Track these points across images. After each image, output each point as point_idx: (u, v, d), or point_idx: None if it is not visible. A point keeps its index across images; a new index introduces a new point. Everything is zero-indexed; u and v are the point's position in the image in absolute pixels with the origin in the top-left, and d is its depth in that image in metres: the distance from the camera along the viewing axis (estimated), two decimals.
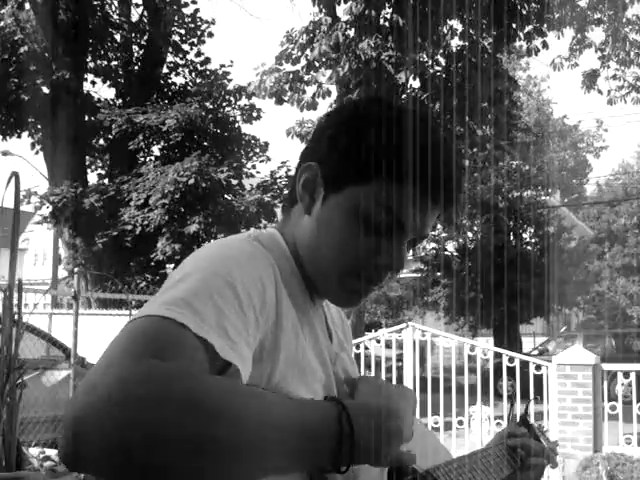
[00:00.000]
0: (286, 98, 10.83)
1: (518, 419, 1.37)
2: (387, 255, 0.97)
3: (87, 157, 16.36)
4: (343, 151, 0.97)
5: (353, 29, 10.08)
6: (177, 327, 0.76)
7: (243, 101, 16.46)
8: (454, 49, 11.37)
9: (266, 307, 0.89)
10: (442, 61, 11.44)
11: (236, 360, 0.79)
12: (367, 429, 0.80)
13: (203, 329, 0.77)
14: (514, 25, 11.06)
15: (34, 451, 2.86)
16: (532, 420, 1.41)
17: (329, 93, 10.78)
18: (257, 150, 16.49)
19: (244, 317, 0.84)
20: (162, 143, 15.24)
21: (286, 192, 1.09)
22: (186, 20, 17.38)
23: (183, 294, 0.80)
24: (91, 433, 0.66)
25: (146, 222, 13.36)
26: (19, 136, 16.19)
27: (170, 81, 17.47)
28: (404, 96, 10.54)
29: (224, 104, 16.39)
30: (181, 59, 17.57)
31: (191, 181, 12.88)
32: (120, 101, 16.54)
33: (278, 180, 14.89)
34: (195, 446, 0.67)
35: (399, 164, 0.93)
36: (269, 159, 16.61)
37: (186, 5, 17.17)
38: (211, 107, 15.51)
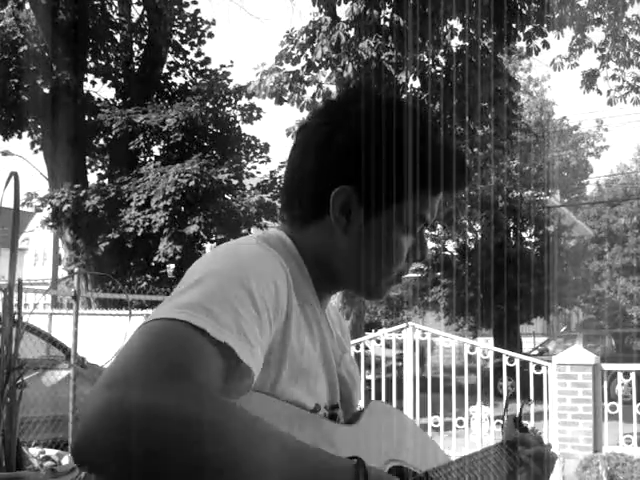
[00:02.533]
0: (286, 98, 10.82)
1: (513, 422, 1.37)
2: (420, 250, 1.08)
3: (87, 157, 16.37)
4: (379, 176, 0.99)
5: (353, 29, 10.08)
6: (194, 332, 0.75)
7: (243, 101, 16.49)
8: (454, 49, 11.37)
9: (279, 310, 0.90)
10: (442, 61, 11.44)
11: (253, 364, 0.80)
12: None
13: (222, 333, 0.77)
14: (514, 25, 11.06)
15: (34, 451, 2.86)
16: (526, 423, 1.41)
17: (329, 93, 10.77)
18: (257, 151, 16.51)
19: (259, 320, 0.84)
20: (162, 143, 15.24)
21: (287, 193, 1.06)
22: (186, 20, 17.39)
23: (199, 298, 0.80)
24: (109, 438, 0.65)
25: (147, 224, 13.36)
26: (19, 136, 16.20)
27: (170, 81, 17.48)
28: (404, 96, 10.54)
29: (224, 104, 16.40)
30: (181, 59, 17.58)
31: (192, 183, 12.88)
32: (120, 101, 16.55)
33: (278, 180, 14.89)
34: (205, 471, 0.67)
35: (432, 176, 1.01)
36: (269, 160, 16.65)
37: (186, 5, 17.18)
38: (211, 107, 15.52)
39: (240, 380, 0.80)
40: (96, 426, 0.66)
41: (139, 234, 13.47)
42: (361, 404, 1.13)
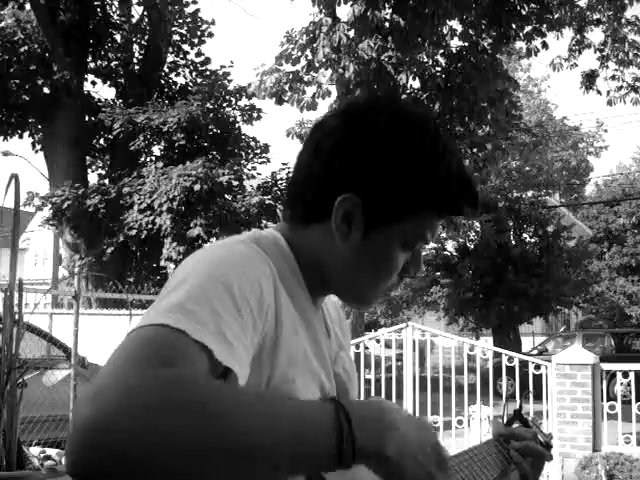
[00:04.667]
0: (286, 98, 10.83)
1: (513, 413, 1.37)
2: (414, 266, 1.07)
3: (87, 157, 16.38)
4: (388, 191, 0.98)
5: (353, 30, 10.08)
6: (175, 334, 0.76)
7: (243, 101, 16.50)
8: (454, 49, 11.38)
9: (264, 309, 0.89)
10: (442, 61, 11.45)
11: (234, 365, 0.79)
12: (365, 425, 0.79)
13: (201, 334, 0.77)
14: (513, 25, 11.07)
15: (35, 450, 2.87)
16: (527, 416, 1.41)
17: (329, 93, 10.78)
18: (257, 152, 16.51)
19: (242, 320, 0.83)
20: (163, 143, 15.23)
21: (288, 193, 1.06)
22: (187, 20, 17.41)
23: (180, 300, 0.81)
24: (100, 444, 0.65)
25: (150, 226, 13.36)
26: (20, 136, 16.21)
27: (171, 81, 17.49)
28: (404, 96, 10.55)
29: (224, 104, 16.41)
30: (182, 59, 17.60)
31: (196, 187, 12.87)
32: (121, 101, 16.56)
33: (279, 182, 14.88)
34: (201, 452, 0.67)
35: (442, 199, 1.00)
36: (269, 161, 16.65)
37: (187, 5, 17.20)
38: (211, 107, 15.52)
39: (226, 379, 0.80)
40: (88, 438, 0.66)
41: (143, 237, 13.46)
42: None
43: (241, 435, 0.70)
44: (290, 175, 1.09)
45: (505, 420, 1.37)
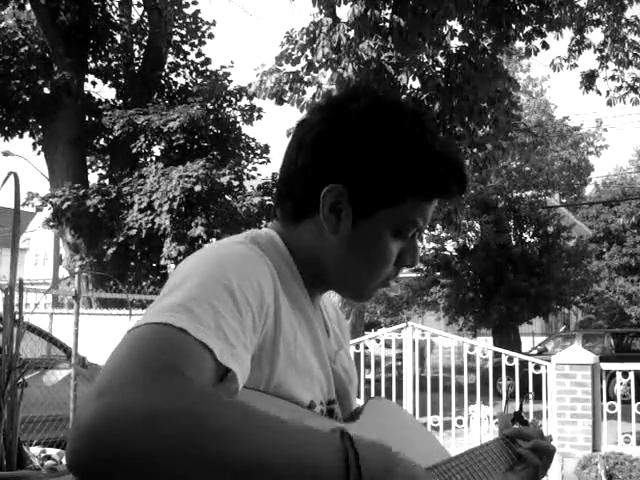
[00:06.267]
0: (286, 99, 10.82)
1: (513, 415, 1.37)
2: (410, 256, 1.05)
3: (88, 157, 16.38)
4: (372, 177, 0.98)
5: (353, 30, 10.07)
6: (178, 333, 0.76)
7: (244, 101, 16.51)
8: (454, 50, 11.38)
9: (264, 309, 0.89)
10: (442, 62, 11.44)
11: (235, 365, 0.79)
12: (370, 466, 0.76)
13: (203, 334, 0.77)
14: (513, 25, 11.06)
15: (35, 450, 2.88)
16: (527, 417, 1.41)
17: (329, 94, 10.77)
18: (258, 152, 16.51)
19: (242, 320, 0.84)
20: (163, 144, 15.23)
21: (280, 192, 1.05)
22: (187, 21, 17.41)
23: (181, 300, 0.80)
24: (102, 445, 0.65)
25: (150, 225, 13.36)
26: (21, 136, 16.21)
27: (171, 81, 17.49)
28: (404, 97, 10.55)
29: (225, 105, 16.41)
30: (182, 60, 17.60)
31: (197, 187, 12.86)
32: (121, 101, 16.56)
33: None
34: (201, 466, 0.66)
35: (428, 181, 0.99)
36: (269, 161, 16.65)
37: (187, 6, 17.20)
38: (212, 108, 15.52)
39: (227, 379, 0.79)
40: (94, 435, 0.65)
41: (143, 236, 13.46)
42: (360, 402, 1.12)
43: (242, 458, 0.68)
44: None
45: (499, 422, 1.37)
